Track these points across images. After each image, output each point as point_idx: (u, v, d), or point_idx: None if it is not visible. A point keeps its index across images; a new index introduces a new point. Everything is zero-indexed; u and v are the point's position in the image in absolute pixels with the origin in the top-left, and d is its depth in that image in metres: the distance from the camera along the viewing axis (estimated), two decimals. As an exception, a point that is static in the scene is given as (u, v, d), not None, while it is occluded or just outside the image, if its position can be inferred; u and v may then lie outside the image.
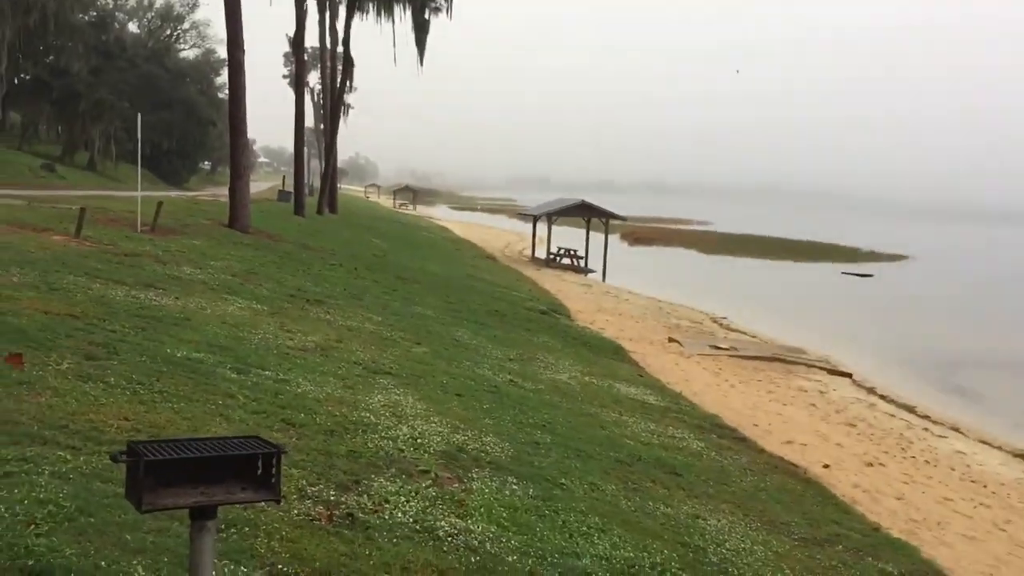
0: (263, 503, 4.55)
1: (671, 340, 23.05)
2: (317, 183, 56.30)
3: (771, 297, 40.14)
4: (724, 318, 30.42)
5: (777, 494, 9.46)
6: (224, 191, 31.39)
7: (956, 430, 17.24)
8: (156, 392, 7.13)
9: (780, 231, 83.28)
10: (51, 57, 60.63)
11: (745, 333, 27.27)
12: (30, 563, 3.88)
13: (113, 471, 5.09)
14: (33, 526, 4.26)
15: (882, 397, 19.66)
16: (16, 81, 59.03)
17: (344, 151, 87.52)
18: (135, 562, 4.08)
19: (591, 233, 47.46)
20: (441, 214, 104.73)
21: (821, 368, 21.89)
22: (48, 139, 73.65)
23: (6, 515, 4.31)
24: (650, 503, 7.66)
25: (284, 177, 61.90)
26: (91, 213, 17.77)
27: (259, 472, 3.64)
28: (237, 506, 4.93)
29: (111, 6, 70.03)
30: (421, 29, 38.26)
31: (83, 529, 4.37)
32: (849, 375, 21.60)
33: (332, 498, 5.64)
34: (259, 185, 70.22)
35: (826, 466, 12.28)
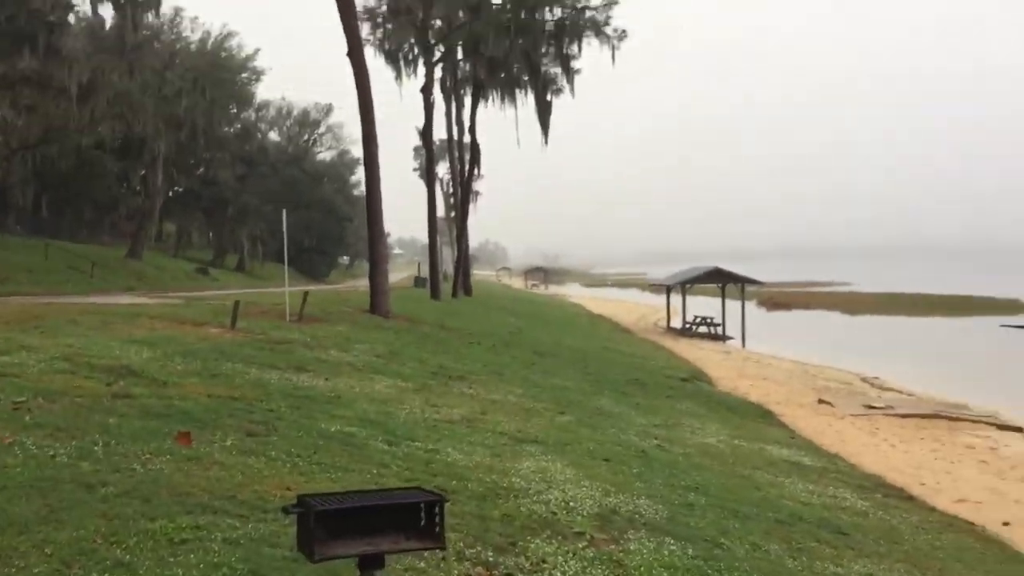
0: (428, 552, 4.60)
1: (821, 402, 22.14)
2: (450, 270, 57.74)
3: (925, 354, 38.15)
4: (876, 377, 29.07)
5: (956, 552, 8.83)
6: (362, 283, 32.59)
7: None
8: (314, 464, 7.34)
9: (928, 287, 79.51)
10: (201, 169, 64.98)
11: (900, 392, 25.93)
12: (209, 622, 4.01)
13: (280, 536, 5.25)
14: (209, 588, 4.42)
15: (1061, 451, 18.21)
16: (171, 193, 63.44)
17: (474, 237, 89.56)
18: (307, 618, 4.16)
19: (727, 300, 46.57)
20: (573, 292, 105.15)
21: (988, 423, 20.50)
22: (200, 245, 78.59)
23: (184, 578, 4.49)
24: (817, 563, 7.27)
25: (419, 264, 63.84)
26: (243, 307, 18.71)
27: (423, 522, 3.68)
28: (400, 569, 4.98)
29: (253, 118, 74.71)
30: (544, 111, 39.19)
31: (255, 590, 4.50)
32: (1020, 429, 20.15)
33: (490, 559, 5.61)
34: (395, 275, 72.41)
35: (1006, 524, 11.39)
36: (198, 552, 4.88)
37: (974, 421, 20.63)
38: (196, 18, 57.54)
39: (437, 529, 3.65)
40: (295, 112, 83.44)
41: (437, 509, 3.64)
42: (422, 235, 51.89)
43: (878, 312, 62.27)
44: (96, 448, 6.73)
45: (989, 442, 18.28)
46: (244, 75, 62.12)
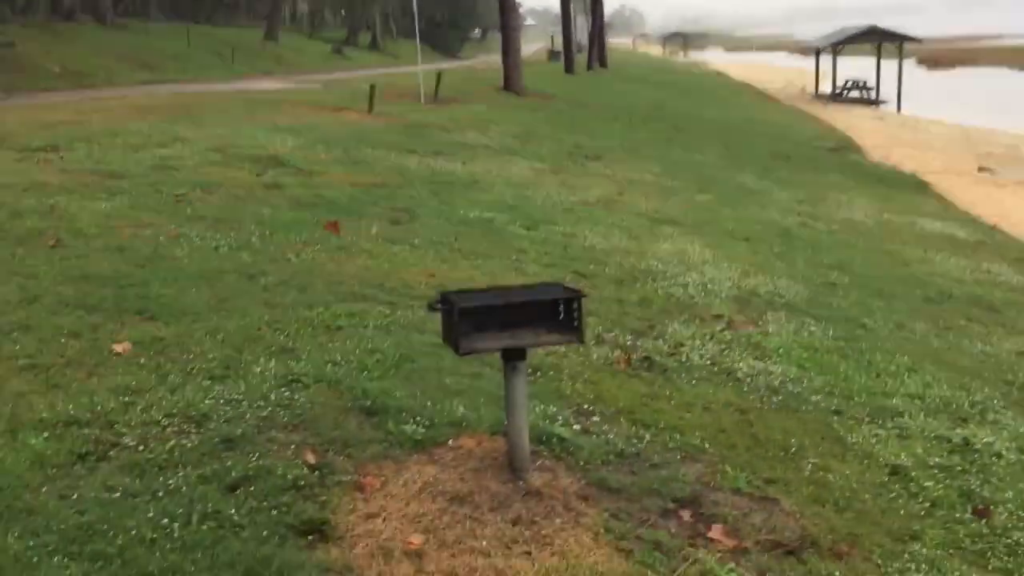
0: (566, 345, 4.75)
1: (982, 169, 20.89)
2: (584, 40, 55.79)
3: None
4: (1047, 140, 27.00)
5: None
6: (495, 58, 31.99)
7: None
8: (455, 251, 7.57)
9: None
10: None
11: (1074, 155, 24.10)
12: (367, 403, 4.32)
13: (427, 323, 5.49)
14: (366, 372, 4.73)
15: None
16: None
17: (609, 3, 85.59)
18: (456, 402, 4.42)
19: (883, 61, 43.39)
20: (714, 58, 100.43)
21: None
22: (333, 24, 78.39)
23: (343, 363, 4.80)
24: (966, 341, 7.13)
25: (552, 37, 61.86)
26: (379, 90, 18.83)
27: (561, 316, 3.77)
28: (541, 353, 5.16)
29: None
30: None
31: (408, 374, 4.78)
32: None
33: (628, 343, 5.74)
34: (527, 47, 70.58)
35: None
36: (353, 339, 5.19)
37: None
38: None
39: (575, 323, 3.74)
40: None
41: (576, 304, 3.72)
42: (554, 4, 50.09)
43: (1056, 67, 56.89)
44: (253, 239, 7.12)
45: None
46: None
